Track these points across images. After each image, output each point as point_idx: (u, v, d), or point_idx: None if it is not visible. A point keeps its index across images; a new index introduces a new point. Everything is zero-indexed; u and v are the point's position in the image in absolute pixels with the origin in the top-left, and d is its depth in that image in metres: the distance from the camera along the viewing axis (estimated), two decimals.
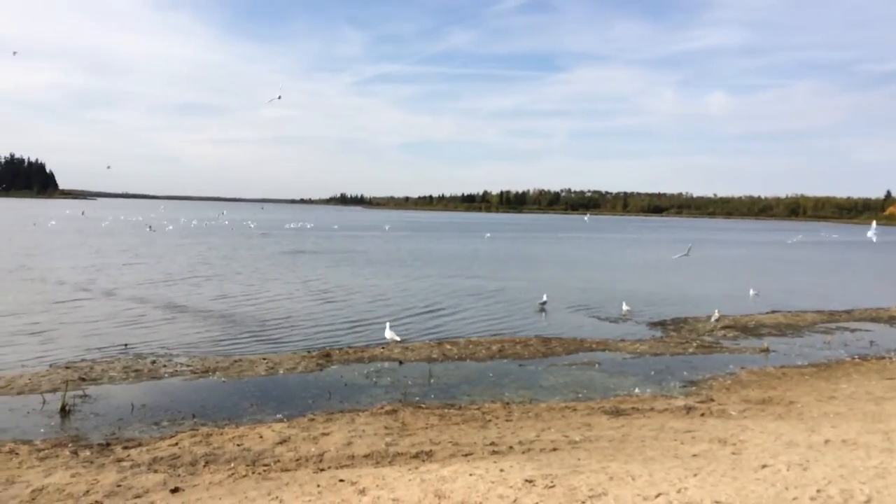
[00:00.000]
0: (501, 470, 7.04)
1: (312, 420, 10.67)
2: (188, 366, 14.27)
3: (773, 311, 24.39)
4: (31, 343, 16.13)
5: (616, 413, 11.15)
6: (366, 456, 8.68)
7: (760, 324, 21.82)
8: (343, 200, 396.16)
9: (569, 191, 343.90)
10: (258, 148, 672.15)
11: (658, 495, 6.13)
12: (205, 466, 8.35)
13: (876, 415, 10.50)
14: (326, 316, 21.26)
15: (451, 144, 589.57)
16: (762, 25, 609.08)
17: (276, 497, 6.79)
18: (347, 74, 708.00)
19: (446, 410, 11.38)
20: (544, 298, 24.26)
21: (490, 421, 10.66)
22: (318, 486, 7.07)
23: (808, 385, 13.66)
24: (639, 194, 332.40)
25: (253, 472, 8.01)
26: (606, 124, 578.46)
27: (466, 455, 8.51)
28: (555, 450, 8.66)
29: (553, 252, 57.74)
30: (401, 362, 15.16)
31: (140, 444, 9.35)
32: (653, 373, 14.79)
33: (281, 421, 10.67)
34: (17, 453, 8.83)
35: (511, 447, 8.87)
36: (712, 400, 12.22)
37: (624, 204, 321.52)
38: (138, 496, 7.25)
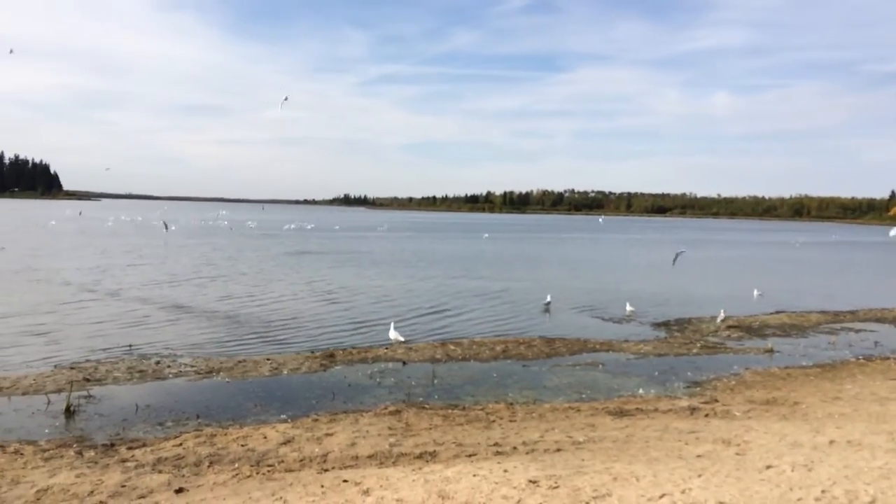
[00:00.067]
0: (505, 470, 7.04)
1: (316, 420, 10.68)
2: (192, 366, 14.30)
3: (778, 312, 24.32)
4: (36, 344, 16.18)
5: (620, 414, 11.13)
6: (369, 456, 8.68)
7: (765, 324, 21.76)
8: (347, 201, 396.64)
9: (572, 191, 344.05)
10: (262, 149, 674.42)
11: (662, 496, 6.12)
12: (209, 467, 8.37)
13: (881, 415, 10.47)
14: (330, 316, 21.28)
15: (454, 145, 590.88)
16: (766, 25, 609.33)
17: (280, 497, 6.80)
18: (351, 75, 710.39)
19: (450, 411, 11.38)
20: (548, 299, 24.25)
21: (494, 421, 10.65)
22: (322, 486, 7.08)
23: (813, 386, 13.63)
24: (642, 195, 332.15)
25: (257, 473, 8.02)
26: (610, 125, 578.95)
27: (470, 455, 8.50)
28: (559, 450, 8.65)
29: (557, 253, 57.68)
30: (404, 363, 15.16)
31: (144, 445, 9.37)
32: (657, 373, 14.77)
33: (285, 421, 10.69)
34: (21, 454, 8.85)
35: (515, 448, 8.87)
36: (716, 401, 12.20)
37: (628, 204, 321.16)
38: (142, 496, 7.27)
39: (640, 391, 13.17)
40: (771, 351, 17.47)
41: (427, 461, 8.33)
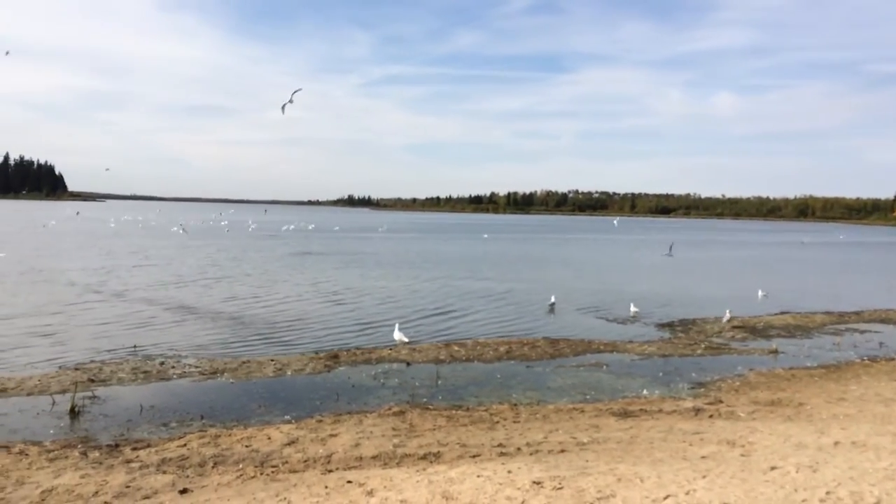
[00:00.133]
0: (509, 471, 7.04)
1: (320, 421, 10.69)
2: (197, 367, 14.33)
3: (782, 313, 24.27)
4: (41, 345, 16.23)
5: (624, 414, 11.12)
6: (374, 457, 8.69)
7: (769, 325, 21.71)
8: (350, 202, 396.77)
9: (576, 192, 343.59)
10: (265, 149, 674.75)
11: (667, 497, 6.11)
12: (213, 467, 8.39)
13: (886, 416, 10.44)
14: (334, 317, 21.30)
15: (457, 146, 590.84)
16: (768, 26, 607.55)
17: (285, 498, 6.81)
18: (354, 76, 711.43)
19: (454, 412, 11.38)
20: (552, 300, 24.24)
21: (498, 422, 10.65)
22: (326, 487, 7.09)
23: (818, 386, 13.59)
24: (646, 195, 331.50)
25: (261, 474, 8.04)
26: (613, 125, 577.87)
27: (474, 456, 8.50)
28: (563, 451, 8.64)
29: (561, 253, 57.63)
30: (408, 364, 15.17)
31: (149, 445, 9.40)
32: (661, 374, 14.74)
33: (289, 422, 10.71)
34: (27, 454, 8.89)
35: (519, 449, 8.86)
36: (721, 401, 12.17)
37: (631, 205, 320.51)
38: (147, 497, 7.29)
39: (645, 392, 13.15)
40: (775, 352, 17.43)
41: (431, 462, 8.34)
